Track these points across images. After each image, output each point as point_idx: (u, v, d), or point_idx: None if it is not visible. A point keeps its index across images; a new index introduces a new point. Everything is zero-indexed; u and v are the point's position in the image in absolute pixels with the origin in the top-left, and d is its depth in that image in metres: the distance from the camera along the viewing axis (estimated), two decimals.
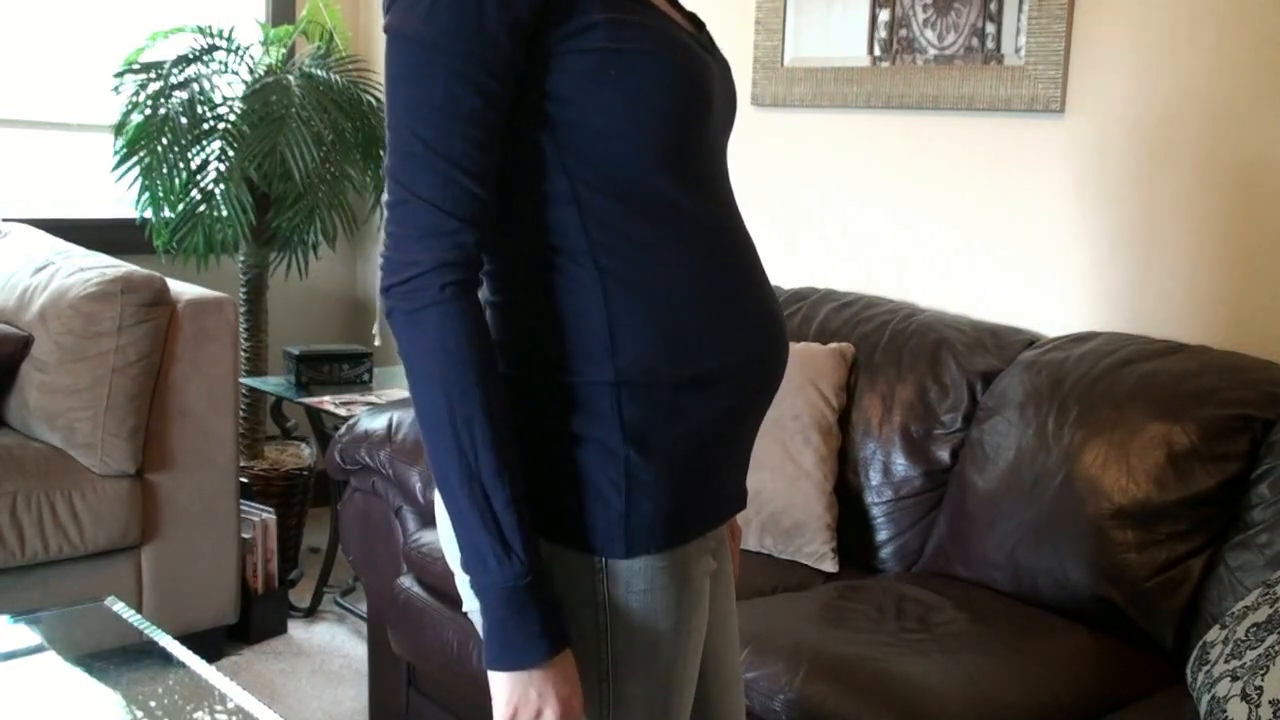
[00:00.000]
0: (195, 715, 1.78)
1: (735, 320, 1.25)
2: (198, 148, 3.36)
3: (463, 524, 1.16)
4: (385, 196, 1.16)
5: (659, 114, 1.19)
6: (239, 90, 3.46)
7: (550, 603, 1.17)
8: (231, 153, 3.36)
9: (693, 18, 1.34)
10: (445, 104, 1.12)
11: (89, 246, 3.18)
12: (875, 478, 2.44)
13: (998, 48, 2.57)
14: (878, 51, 2.79)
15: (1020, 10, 2.53)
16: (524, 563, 1.15)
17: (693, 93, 1.22)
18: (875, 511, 2.43)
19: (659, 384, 1.21)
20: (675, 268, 1.21)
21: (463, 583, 1.30)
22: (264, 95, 3.38)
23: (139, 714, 1.80)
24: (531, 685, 1.17)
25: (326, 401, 3.33)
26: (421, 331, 1.14)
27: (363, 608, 3.16)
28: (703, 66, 1.24)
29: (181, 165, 3.34)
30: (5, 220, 3.47)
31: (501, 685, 1.19)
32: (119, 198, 3.38)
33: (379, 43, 4.15)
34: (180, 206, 3.38)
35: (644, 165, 1.20)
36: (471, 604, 1.29)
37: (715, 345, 1.23)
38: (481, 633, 1.29)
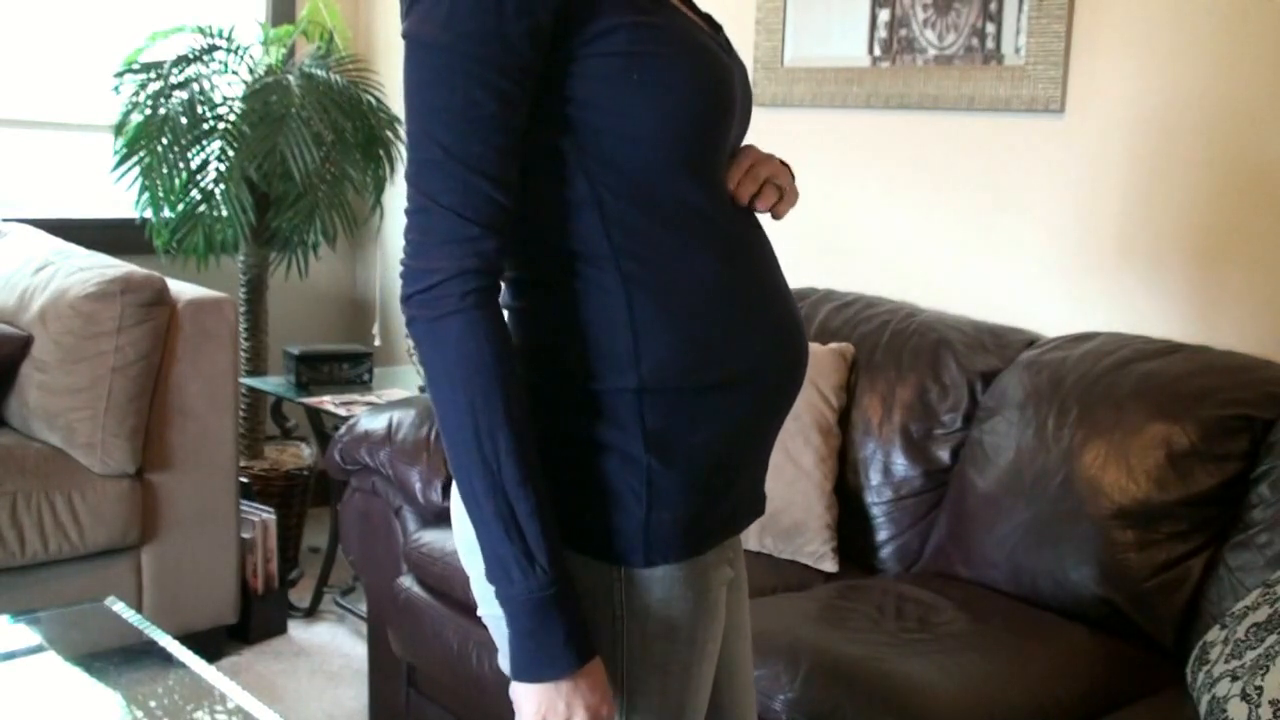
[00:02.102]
0: (195, 715, 1.78)
1: (757, 324, 1.24)
2: (198, 148, 3.36)
3: (487, 534, 1.15)
4: (405, 204, 1.15)
5: (682, 117, 1.18)
6: (239, 90, 3.46)
7: (575, 613, 1.16)
8: (231, 153, 3.36)
9: (710, 19, 1.34)
10: (464, 109, 1.11)
11: (89, 246, 3.18)
12: (875, 478, 2.44)
13: (998, 48, 2.57)
14: (878, 51, 2.80)
15: (1020, 10, 2.53)
16: (548, 573, 1.14)
17: (716, 96, 1.21)
18: (875, 511, 2.43)
19: (681, 390, 1.20)
20: (697, 272, 1.21)
21: (478, 587, 1.29)
22: (264, 95, 3.38)
23: (139, 714, 1.80)
24: (560, 696, 1.16)
25: (326, 401, 3.33)
26: (443, 340, 1.13)
27: (363, 608, 3.16)
28: (724, 69, 1.23)
29: (181, 165, 3.34)
30: (5, 220, 3.47)
31: (529, 697, 1.18)
32: (119, 198, 3.38)
33: (379, 43, 4.17)
34: (180, 206, 3.38)
35: (666, 169, 1.19)
36: (486, 609, 1.28)
37: (737, 349, 1.22)
38: (497, 639, 1.28)
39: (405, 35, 1.14)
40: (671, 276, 1.20)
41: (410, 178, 1.14)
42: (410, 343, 1.19)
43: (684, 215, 1.20)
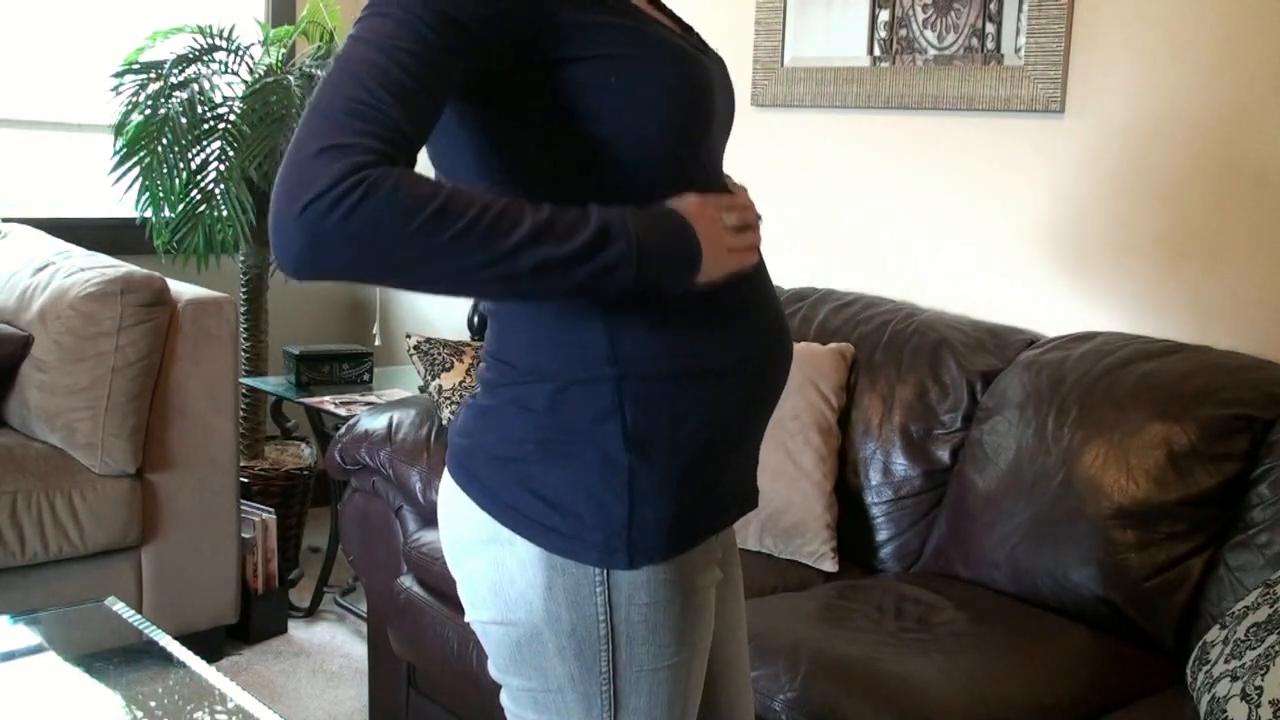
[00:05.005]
0: (195, 715, 1.78)
1: (737, 318, 1.24)
2: (198, 148, 3.35)
3: (574, 276, 1.08)
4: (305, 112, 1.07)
5: (662, 118, 1.18)
6: (239, 90, 3.46)
7: (643, 215, 1.13)
8: (231, 153, 3.36)
9: (680, 21, 1.34)
10: (394, 37, 1.05)
11: (89, 246, 3.18)
12: (875, 478, 2.44)
13: (997, 48, 2.57)
14: (878, 51, 2.79)
15: (1020, 10, 2.53)
16: (597, 210, 1.09)
17: (693, 94, 1.21)
18: (875, 511, 2.43)
19: (660, 389, 1.20)
20: None
21: (465, 593, 1.29)
22: (264, 95, 3.38)
23: (139, 714, 1.80)
24: (715, 233, 1.18)
25: (326, 401, 3.33)
26: (371, 222, 1.00)
27: (363, 608, 3.16)
28: (699, 67, 1.23)
29: (181, 165, 3.34)
30: (5, 220, 3.47)
31: (715, 268, 1.18)
32: (119, 198, 3.38)
33: None
34: (180, 206, 3.38)
35: (647, 170, 1.19)
36: (474, 614, 1.29)
37: (716, 345, 1.22)
38: (485, 645, 1.28)
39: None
40: None
41: (313, 96, 1.06)
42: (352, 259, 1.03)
43: None
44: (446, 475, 1.29)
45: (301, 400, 3.37)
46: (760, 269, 1.30)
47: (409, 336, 2.80)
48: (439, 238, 1.02)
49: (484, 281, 1.06)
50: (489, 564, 1.23)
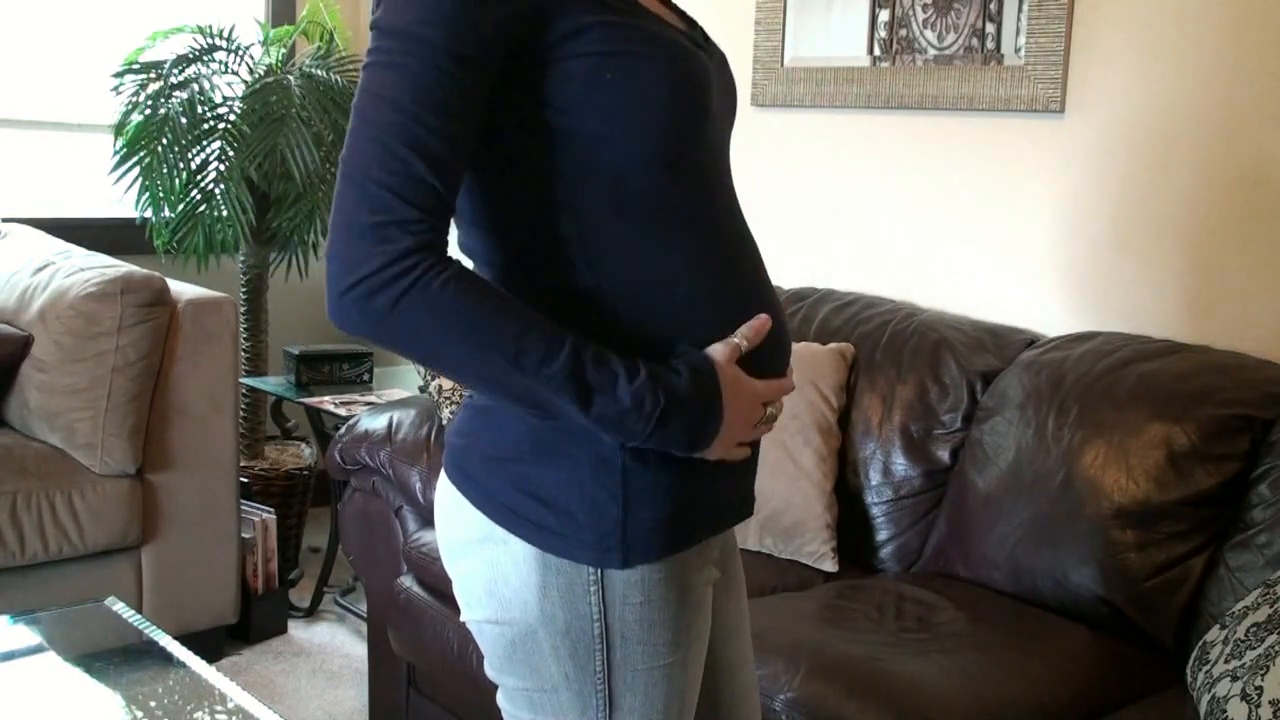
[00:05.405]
0: (195, 715, 1.78)
1: (737, 321, 1.24)
2: (198, 148, 3.36)
3: (585, 424, 1.14)
4: (337, 185, 1.11)
5: (657, 116, 1.17)
6: (239, 90, 3.46)
7: (677, 375, 1.17)
8: (231, 153, 3.36)
9: (683, 15, 1.33)
10: (414, 92, 1.08)
11: (89, 246, 3.18)
12: (875, 478, 2.44)
13: (997, 48, 2.57)
14: (878, 51, 2.79)
15: (1020, 10, 2.53)
16: (638, 379, 1.14)
17: (690, 92, 1.20)
18: (875, 511, 2.43)
19: None
20: (675, 272, 1.20)
21: (461, 593, 1.29)
22: (264, 95, 3.38)
23: (139, 714, 1.80)
24: (744, 409, 1.21)
25: (326, 401, 3.33)
26: (416, 315, 1.08)
27: (363, 608, 3.16)
28: (698, 64, 1.22)
29: (181, 165, 3.34)
30: (5, 220, 3.47)
31: (732, 435, 1.21)
32: (119, 198, 3.38)
33: None
34: (180, 206, 3.38)
35: (643, 169, 1.18)
36: (469, 614, 1.28)
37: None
38: (482, 645, 1.27)
39: (372, 26, 1.12)
40: (647, 279, 1.19)
41: (345, 159, 1.09)
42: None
43: (662, 215, 1.19)
44: (443, 475, 1.29)
45: (301, 400, 3.37)
46: (759, 269, 1.30)
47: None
48: (473, 348, 1.10)
49: (503, 396, 1.14)
50: (484, 563, 1.23)
